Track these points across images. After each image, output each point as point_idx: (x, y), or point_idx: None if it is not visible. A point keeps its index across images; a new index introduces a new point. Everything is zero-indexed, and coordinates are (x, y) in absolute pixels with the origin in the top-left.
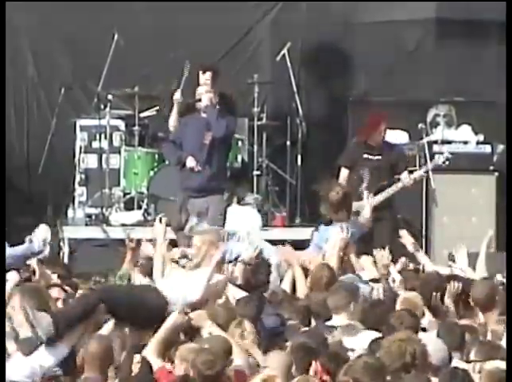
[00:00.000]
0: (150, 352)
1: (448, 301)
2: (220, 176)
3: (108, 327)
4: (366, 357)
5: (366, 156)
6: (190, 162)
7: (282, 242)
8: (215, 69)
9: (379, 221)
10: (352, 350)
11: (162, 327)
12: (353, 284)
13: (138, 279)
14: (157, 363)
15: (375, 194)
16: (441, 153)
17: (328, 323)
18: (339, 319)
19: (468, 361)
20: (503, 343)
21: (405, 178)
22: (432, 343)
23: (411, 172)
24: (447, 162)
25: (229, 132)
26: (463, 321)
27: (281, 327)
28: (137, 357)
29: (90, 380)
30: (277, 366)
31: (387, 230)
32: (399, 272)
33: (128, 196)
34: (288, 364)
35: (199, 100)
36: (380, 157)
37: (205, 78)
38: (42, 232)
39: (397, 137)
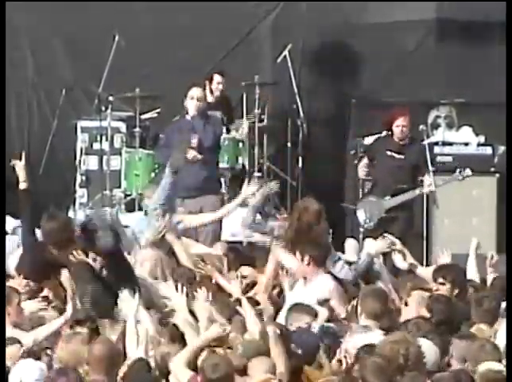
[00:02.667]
0: (181, 363)
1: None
2: (211, 176)
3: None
4: (375, 357)
5: (389, 153)
6: (190, 154)
7: None
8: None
9: (393, 222)
10: None
11: (200, 338)
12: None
13: None
14: (186, 374)
15: (392, 196)
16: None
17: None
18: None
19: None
20: (497, 344)
21: (428, 186)
22: (425, 347)
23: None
24: (467, 179)
25: (217, 138)
26: None
27: None
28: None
29: None
30: (261, 371)
31: (398, 231)
32: None
33: (129, 198)
34: (272, 368)
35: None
36: (403, 156)
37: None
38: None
39: None
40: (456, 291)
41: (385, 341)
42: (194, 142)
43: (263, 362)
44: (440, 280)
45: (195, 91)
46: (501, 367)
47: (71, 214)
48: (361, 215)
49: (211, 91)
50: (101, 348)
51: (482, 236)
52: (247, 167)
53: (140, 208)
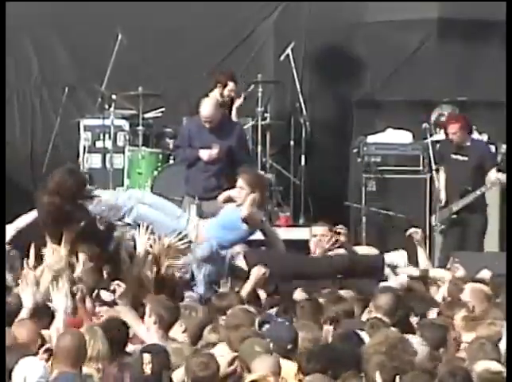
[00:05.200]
0: None
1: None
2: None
3: None
4: (379, 357)
5: (454, 157)
6: (203, 154)
7: (286, 242)
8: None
9: (465, 223)
10: None
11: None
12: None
13: None
14: None
15: (460, 197)
16: None
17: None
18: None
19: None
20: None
21: (492, 181)
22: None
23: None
24: None
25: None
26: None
27: None
28: (147, 358)
29: (63, 375)
30: (264, 370)
31: (472, 231)
32: None
33: None
34: (276, 367)
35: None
36: (467, 158)
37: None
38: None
39: (401, 137)
40: None
41: (368, 345)
42: (215, 152)
43: (266, 361)
44: None
45: (208, 113)
46: (499, 367)
47: None
48: (433, 220)
49: (222, 95)
50: (69, 340)
51: (485, 234)
52: None
53: None
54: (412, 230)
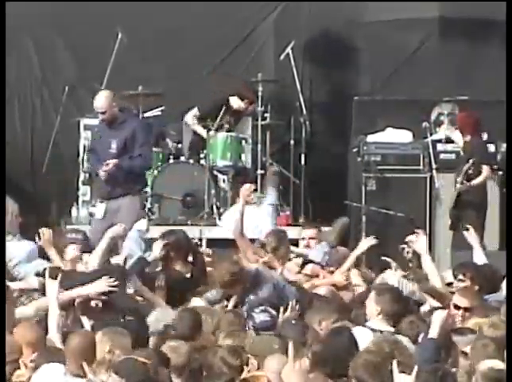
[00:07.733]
0: None
1: None
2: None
3: None
4: (366, 355)
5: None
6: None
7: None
8: None
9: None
10: None
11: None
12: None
13: None
14: None
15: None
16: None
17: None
18: (380, 323)
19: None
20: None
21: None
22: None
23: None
24: None
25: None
26: None
27: (270, 320)
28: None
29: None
30: (276, 369)
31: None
32: None
33: None
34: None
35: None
36: (464, 154)
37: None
38: None
39: (401, 136)
40: (476, 288)
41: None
42: (114, 147)
43: (278, 360)
44: (460, 277)
45: (101, 104)
46: (502, 365)
47: (74, 212)
48: None
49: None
50: (79, 341)
51: (486, 233)
52: (250, 165)
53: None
54: (408, 238)
